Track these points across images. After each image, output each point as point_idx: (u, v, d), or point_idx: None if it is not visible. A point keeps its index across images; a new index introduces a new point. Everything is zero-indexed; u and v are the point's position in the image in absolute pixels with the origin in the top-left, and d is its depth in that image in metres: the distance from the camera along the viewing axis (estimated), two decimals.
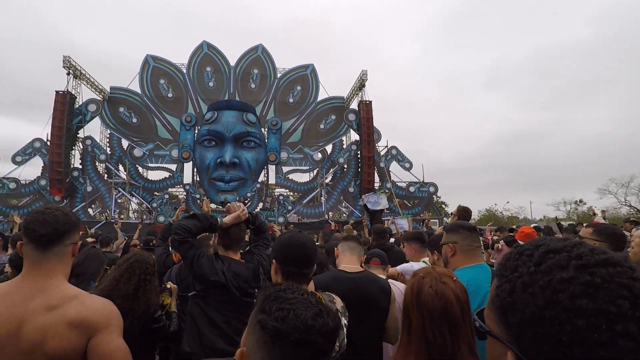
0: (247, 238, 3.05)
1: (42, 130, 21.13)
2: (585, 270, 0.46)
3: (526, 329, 0.47)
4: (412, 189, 23.54)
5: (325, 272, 2.76)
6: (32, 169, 21.02)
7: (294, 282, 1.73)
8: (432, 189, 23.68)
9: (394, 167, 23.71)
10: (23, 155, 20.47)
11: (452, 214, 5.31)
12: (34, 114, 72.68)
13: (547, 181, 58.34)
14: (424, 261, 3.25)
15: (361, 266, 2.46)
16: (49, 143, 20.05)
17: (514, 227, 7.09)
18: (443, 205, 31.49)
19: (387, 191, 21.77)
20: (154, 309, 2.41)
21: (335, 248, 2.71)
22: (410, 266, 3.15)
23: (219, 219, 2.39)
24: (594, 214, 9.81)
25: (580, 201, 39.16)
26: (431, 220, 22.70)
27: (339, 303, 1.80)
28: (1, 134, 63.66)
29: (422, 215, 22.45)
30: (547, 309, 0.45)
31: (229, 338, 2.15)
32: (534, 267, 0.49)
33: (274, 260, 1.78)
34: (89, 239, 6.11)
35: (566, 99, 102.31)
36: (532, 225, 7.07)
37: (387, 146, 23.99)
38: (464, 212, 4.24)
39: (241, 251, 2.55)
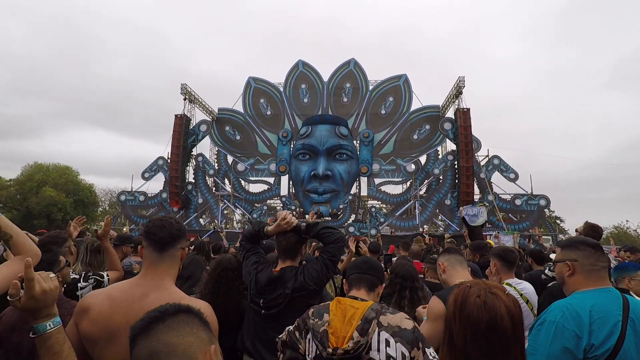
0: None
1: (164, 149, 24.27)
2: None
3: None
4: (518, 201, 21.39)
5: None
6: (157, 184, 24.30)
7: (355, 286, 1.79)
8: (542, 202, 21.22)
9: (497, 178, 21.85)
10: (150, 172, 23.80)
11: (576, 230, 4.64)
12: (159, 135, 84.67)
13: None
14: (507, 283, 2.75)
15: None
16: (169, 161, 22.97)
17: None
18: (558, 221, 27.82)
19: (487, 204, 20.09)
20: (239, 313, 2.52)
21: (440, 262, 2.49)
22: None
23: (265, 227, 2.41)
24: None
25: None
26: (543, 237, 20.35)
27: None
28: (134, 154, 75.38)
29: (531, 231, 20.21)
30: None
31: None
32: None
33: (344, 280, 1.91)
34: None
35: None
36: None
37: (488, 155, 22.25)
38: (591, 231, 3.63)
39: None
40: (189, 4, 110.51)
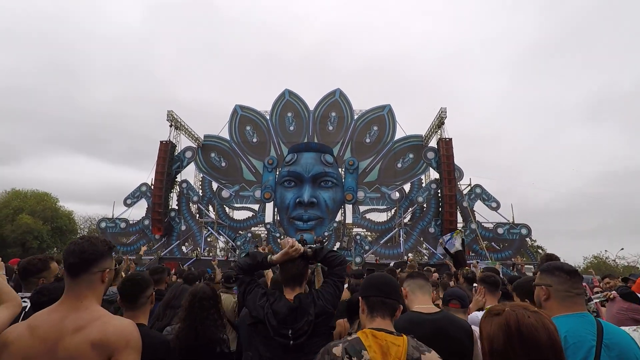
0: None
1: (148, 175, 24.03)
2: None
3: None
4: (500, 230, 21.70)
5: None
6: (139, 211, 23.83)
7: (379, 313, 1.67)
8: (524, 231, 21.56)
9: (479, 207, 22.22)
10: (132, 198, 23.38)
11: (538, 262, 4.80)
12: (142, 161, 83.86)
13: None
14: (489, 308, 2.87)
15: (436, 305, 2.31)
16: (152, 187, 22.69)
17: (629, 276, 6.02)
18: (540, 250, 28.24)
19: (461, 231, 20.30)
20: (218, 343, 2.49)
21: (403, 288, 2.50)
22: (476, 316, 2.75)
23: (268, 256, 2.37)
24: None
25: None
26: (525, 266, 20.52)
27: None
28: (118, 180, 74.18)
29: (513, 259, 20.40)
30: None
31: None
32: None
33: (360, 298, 1.78)
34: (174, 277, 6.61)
35: None
36: None
37: (470, 184, 22.71)
38: (546, 260, 3.75)
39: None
40: (176, 31, 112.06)
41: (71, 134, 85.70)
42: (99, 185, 74.63)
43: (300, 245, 2.33)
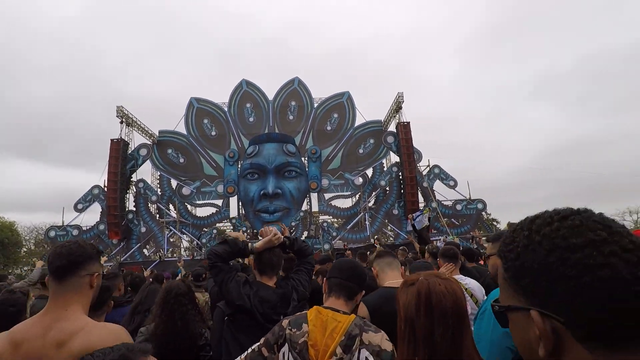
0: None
1: (100, 177, 22.53)
2: (566, 220, 0.57)
3: (539, 281, 0.55)
4: (458, 207, 22.85)
5: None
6: (93, 215, 22.35)
7: (335, 293, 1.74)
8: (480, 206, 22.87)
9: (439, 186, 23.22)
10: (84, 203, 21.79)
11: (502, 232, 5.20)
12: (93, 162, 78.03)
13: (608, 191, 54.27)
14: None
15: None
16: (106, 189, 21.32)
17: None
18: (494, 223, 30.14)
19: (430, 209, 21.21)
20: (199, 337, 2.47)
21: (372, 267, 2.63)
22: None
23: (250, 244, 2.38)
24: None
25: None
26: (483, 238, 21.85)
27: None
28: (65, 184, 68.36)
29: (471, 233, 21.62)
30: (549, 256, 0.54)
31: None
32: (527, 232, 0.59)
33: (325, 279, 1.85)
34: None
35: (622, 104, 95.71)
36: None
37: (429, 165, 23.62)
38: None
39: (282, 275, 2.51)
40: (122, 19, 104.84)
41: (8, 138, 77.96)
42: (43, 192, 68.87)
43: (280, 234, 2.37)
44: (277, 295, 2.21)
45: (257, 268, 2.37)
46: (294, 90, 24.10)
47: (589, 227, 0.55)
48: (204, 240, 21.59)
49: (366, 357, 1.46)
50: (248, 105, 23.88)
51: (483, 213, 24.16)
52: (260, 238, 2.43)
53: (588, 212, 0.58)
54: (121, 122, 22.03)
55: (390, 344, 1.54)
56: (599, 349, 0.52)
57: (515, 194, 70.58)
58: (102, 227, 21.44)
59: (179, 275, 7.92)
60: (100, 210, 21.96)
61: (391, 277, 2.42)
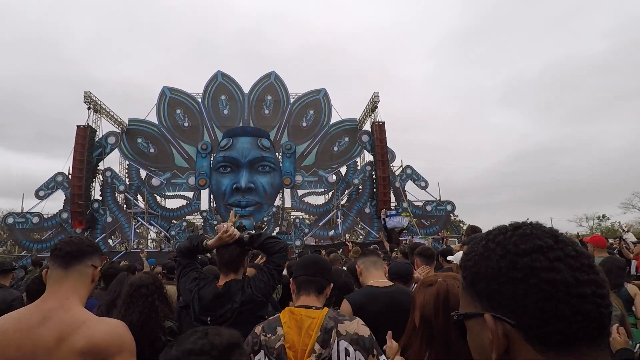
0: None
1: (64, 164, 21.55)
2: (518, 229, 0.62)
3: (492, 285, 0.59)
4: (429, 207, 23.37)
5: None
6: (55, 203, 21.46)
7: (304, 291, 1.74)
8: (449, 208, 23.46)
9: (410, 186, 23.67)
10: (46, 190, 20.92)
11: (462, 234, 5.38)
12: (55, 148, 74.84)
13: (568, 197, 56.97)
14: None
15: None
16: (70, 176, 20.53)
17: None
18: (461, 224, 31.03)
19: (410, 214, 21.63)
20: (162, 329, 2.44)
21: (357, 265, 2.66)
22: None
23: (204, 241, 2.31)
24: (625, 230, 9.56)
25: (604, 216, 38.24)
26: (450, 239, 22.45)
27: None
28: (25, 169, 65.08)
29: (440, 234, 22.16)
30: (500, 261, 0.59)
31: None
32: (484, 241, 0.64)
33: (291, 280, 1.83)
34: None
35: (585, 113, 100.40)
36: None
37: (401, 166, 23.99)
38: (471, 231, 4.23)
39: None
40: (88, 2, 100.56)
41: None
42: (0, 176, 65.50)
43: (235, 230, 2.27)
44: (213, 294, 2.13)
45: (218, 266, 2.34)
46: (270, 84, 23.89)
47: (538, 235, 0.59)
48: (172, 233, 21.18)
49: (345, 348, 1.46)
50: (223, 97, 23.49)
51: (451, 214, 24.79)
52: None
53: (539, 224, 0.63)
54: (89, 109, 21.19)
55: (367, 329, 1.56)
56: (550, 351, 0.55)
57: (482, 195, 73.06)
58: (65, 215, 20.65)
59: (152, 266, 7.73)
60: (64, 198, 21.14)
61: (375, 276, 2.43)
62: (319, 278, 1.76)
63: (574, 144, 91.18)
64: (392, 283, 2.45)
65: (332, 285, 1.85)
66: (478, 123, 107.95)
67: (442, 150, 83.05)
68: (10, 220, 20.57)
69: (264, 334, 1.54)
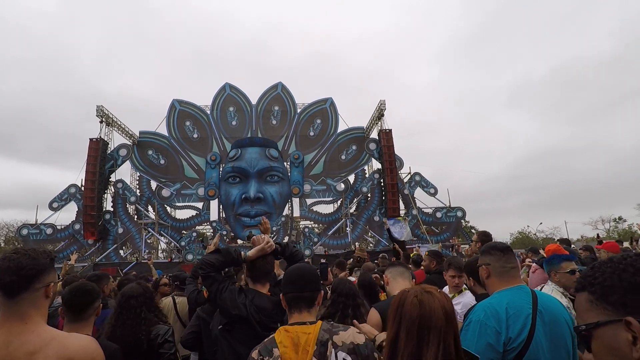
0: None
1: (77, 176, 22.12)
2: (638, 256, 0.78)
3: (629, 295, 0.74)
4: (438, 214, 23.14)
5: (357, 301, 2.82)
6: (68, 214, 21.87)
7: (295, 308, 1.69)
8: (459, 214, 23.21)
9: (419, 193, 23.51)
10: (59, 202, 21.36)
11: (472, 240, 5.24)
12: (69, 160, 76.31)
13: (582, 199, 55.82)
14: (465, 287, 3.17)
15: None
16: (83, 188, 20.93)
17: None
18: (472, 230, 30.62)
19: (407, 218, 21.44)
20: (148, 336, 2.47)
21: (384, 275, 2.73)
22: (470, 300, 3.02)
23: (242, 252, 2.37)
24: None
25: (620, 218, 37.26)
26: (461, 246, 22.10)
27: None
28: (39, 182, 66.50)
29: (451, 241, 21.87)
30: (635, 276, 0.75)
31: None
32: (610, 264, 0.79)
33: (281, 295, 1.78)
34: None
35: (595, 112, 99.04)
36: (557, 240, 6.78)
37: (410, 173, 23.89)
38: (484, 237, 4.13)
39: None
40: (100, 14, 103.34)
41: None
42: (15, 188, 66.92)
43: (273, 241, 2.36)
44: (272, 302, 2.18)
45: (249, 276, 2.35)
46: (277, 95, 24.20)
47: None
48: (183, 243, 21.31)
49: (343, 359, 1.45)
50: (231, 108, 23.86)
51: (462, 221, 24.49)
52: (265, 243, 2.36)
53: None
54: (101, 122, 21.77)
55: (362, 336, 1.55)
56: None
57: (492, 200, 71.96)
58: (77, 226, 20.98)
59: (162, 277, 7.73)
60: (77, 209, 21.52)
61: (403, 285, 2.50)
62: (308, 293, 1.72)
63: (585, 144, 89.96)
64: None
65: (322, 292, 1.83)
66: (485, 126, 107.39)
67: (450, 155, 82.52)
68: (24, 232, 21.00)
69: (261, 356, 1.49)
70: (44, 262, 1.36)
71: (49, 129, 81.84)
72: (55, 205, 21.25)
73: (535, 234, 38.90)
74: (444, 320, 1.21)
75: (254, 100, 24.11)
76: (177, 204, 23.33)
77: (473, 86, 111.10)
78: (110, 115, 22.24)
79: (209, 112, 23.85)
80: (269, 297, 2.22)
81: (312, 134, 24.03)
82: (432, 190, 23.34)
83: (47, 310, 1.40)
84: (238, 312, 2.12)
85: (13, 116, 77.50)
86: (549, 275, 3.04)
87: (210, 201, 22.94)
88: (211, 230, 22.93)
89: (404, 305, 1.25)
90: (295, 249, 2.44)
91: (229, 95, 24.02)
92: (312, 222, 24.50)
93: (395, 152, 22.54)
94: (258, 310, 2.12)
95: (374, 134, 24.15)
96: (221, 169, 23.02)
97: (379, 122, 23.31)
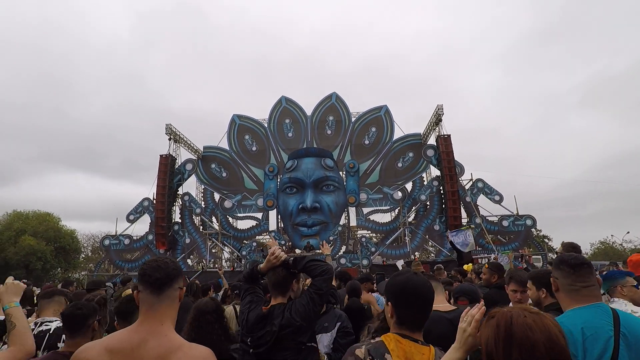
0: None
1: (149, 190, 23.98)
2: None
3: None
4: (505, 223, 21.66)
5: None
6: (143, 226, 23.82)
7: (407, 329, 1.54)
8: (529, 222, 21.53)
9: (482, 200, 22.21)
10: (135, 214, 23.34)
11: (555, 252, 4.74)
12: (140, 174, 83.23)
13: None
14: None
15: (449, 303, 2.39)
16: (155, 201, 22.64)
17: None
18: (546, 240, 28.15)
19: (472, 226, 20.28)
20: (224, 354, 2.45)
21: None
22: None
23: (257, 265, 2.41)
24: None
25: None
26: (533, 257, 20.50)
27: None
28: (116, 195, 73.44)
29: (520, 251, 20.36)
30: None
31: None
32: None
33: (389, 303, 1.64)
34: None
35: None
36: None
37: (471, 179, 22.71)
38: (571, 249, 3.71)
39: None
40: (165, 40, 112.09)
41: (66, 148, 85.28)
42: (99, 202, 74.04)
43: (282, 253, 2.33)
44: (256, 316, 2.21)
45: (269, 288, 2.40)
46: (332, 105, 24.37)
47: None
48: (244, 252, 22.15)
49: None
50: (287, 121, 24.47)
51: (532, 230, 22.72)
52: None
53: None
54: (169, 139, 23.47)
55: None
56: None
57: (567, 207, 65.74)
58: (150, 237, 22.71)
59: (221, 285, 8.13)
60: (150, 221, 23.32)
61: (437, 301, 2.45)
62: (426, 314, 1.59)
63: None
64: (455, 307, 2.46)
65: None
66: (555, 129, 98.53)
67: (516, 161, 76.98)
68: (106, 242, 23.19)
69: (370, 357, 1.43)
70: (180, 268, 1.58)
71: (125, 146, 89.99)
72: (131, 217, 23.24)
73: (621, 244, 34.48)
74: (567, 349, 1.08)
75: (308, 112, 24.54)
76: (239, 215, 24.32)
77: (540, 87, 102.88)
78: (177, 132, 23.91)
79: (266, 125, 24.69)
80: (260, 310, 2.22)
81: (367, 142, 23.84)
82: (496, 198, 21.95)
83: (176, 315, 1.52)
84: (238, 321, 2.35)
85: (96, 134, 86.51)
86: (613, 291, 2.78)
87: (269, 211, 23.63)
88: (271, 240, 23.59)
89: (513, 328, 1.10)
90: (313, 264, 2.28)
91: (285, 108, 24.69)
92: (369, 232, 24.22)
93: (455, 158, 21.58)
94: (246, 321, 2.22)
95: (432, 140, 23.37)
96: (279, 180, 23.65)
97: (437, 128, 22.49)
